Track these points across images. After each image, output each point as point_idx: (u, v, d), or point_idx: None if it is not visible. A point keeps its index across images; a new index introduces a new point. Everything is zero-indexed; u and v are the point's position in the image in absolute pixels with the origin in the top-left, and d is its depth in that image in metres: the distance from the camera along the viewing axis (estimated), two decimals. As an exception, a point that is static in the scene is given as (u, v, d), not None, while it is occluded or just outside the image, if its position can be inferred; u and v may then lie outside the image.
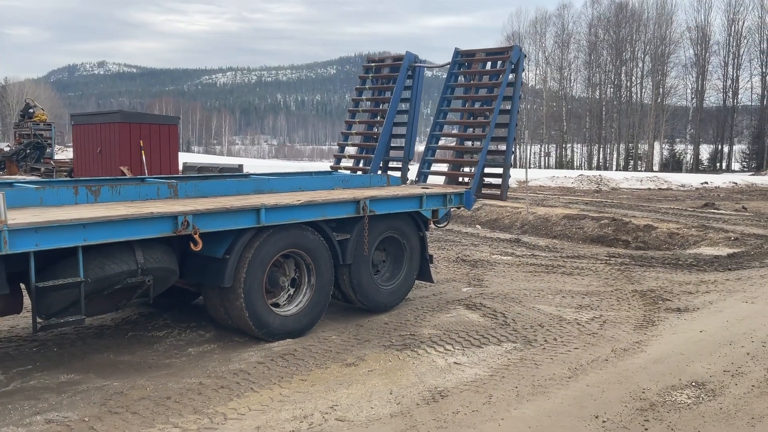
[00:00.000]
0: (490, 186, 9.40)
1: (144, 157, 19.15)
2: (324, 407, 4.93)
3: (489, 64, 9.58)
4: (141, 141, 19.22)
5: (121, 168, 18.52)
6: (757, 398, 5.21)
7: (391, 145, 10.47)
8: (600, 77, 71.66)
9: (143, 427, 4.54)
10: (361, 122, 10.45)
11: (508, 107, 9.48)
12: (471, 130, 9.64)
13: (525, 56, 9.53)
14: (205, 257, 6.14)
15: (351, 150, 10.68)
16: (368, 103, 10.43)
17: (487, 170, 9.30)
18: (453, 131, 10.00)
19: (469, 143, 9.77)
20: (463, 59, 9.68)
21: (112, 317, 7.20)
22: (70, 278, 5.11)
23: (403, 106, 10.21)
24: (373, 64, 10.61)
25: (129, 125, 19.30)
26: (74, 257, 5.12)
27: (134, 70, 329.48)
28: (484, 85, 9.39)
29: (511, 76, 9.17)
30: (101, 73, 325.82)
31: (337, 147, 10.90)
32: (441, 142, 9.96)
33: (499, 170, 9.39)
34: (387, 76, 10.23)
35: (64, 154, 37.56)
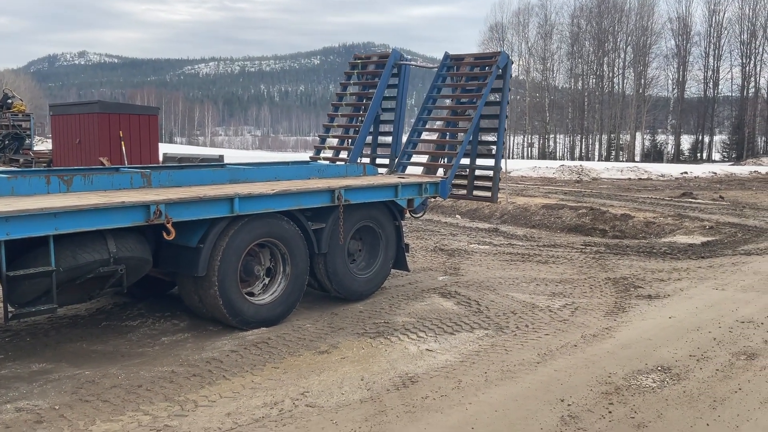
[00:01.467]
0: (481, 188, 9.67)
1: (123, 147, 19.03)
2: (295, 394, 4.99)
3: (477, 69, 9.77)
4: (120, 132, 19.09)
5: (101, 159, 18.39)
6: (720, 382, 5.33)
7: (378, 141, 10.56)
8: (582, 68, 72.02)
9: (113, 415, 4.57)
10: (344, 116, 10.52)
11: (495, 112, 9.72)
12: (453, 126, 9.75)
13: (512, 62, 9.76)
14: (179, 246, 6.15)
15: (333, 142, 10.73)
16: (352, 97, 10.49)
17: (477, 173, 9.59)
18: (435, 126, 10.14)
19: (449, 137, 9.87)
20: (452, 62, 9.90)
21: (86, 307, 7.20)
22: (42, 267, 5.12)
23: (389, 104, 10.32)
24: (359, 61, 10.73)
25: (108, 116, 19.16)
26: (46, 246, 5.13)
27: (115, 60, 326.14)
28: (470, 86, 9.57)
29: (499, 82, 9.42)
30: (82, 63, 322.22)
31: (319, 139, 10.94)
32: (424, 136, 10.09)
33: (490, 173, 9.63)
34: (372, 73, 10.33)
35: (43, 145, 37.18)
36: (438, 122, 10.17)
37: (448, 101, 10.03)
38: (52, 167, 20.12)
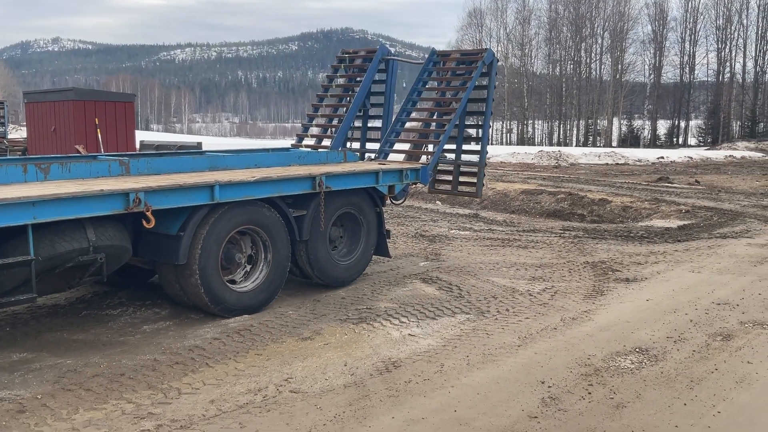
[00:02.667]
0: (466, 184, 9.86)
1: (100, 135, 18.80)
2: (278, 380, 5.01)
3: (463, 65, 9.87)
4: (96, 119, 18.85)
5: (77, 147, 18.15)
6: (697, 362, 5.44)
7: (367, 136, 10.61)
8: (560, 54, 72.29)
9: (97, 404, 4.56)
10: (328, 105, 10.56)
11: (481, 109, 9.94)
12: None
13: (498, 60, 9.87)
14: (159, 234, 6.12)
15: (316, 131, 10.73)
16: (338, 89, 10.52)
17: (462, 168, 9.78)
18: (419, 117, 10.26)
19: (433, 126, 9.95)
20: (439, 58, 10.05)
21: (66, 296, 7.15)
22: (20, 257, 5.07)
23: (377, 99, 10.42)
24: (346, 56, 10.80)
25: (83, 103, 18.89)
26: (24, 236, 5.08)
27: (90, 47, 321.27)
28: (455, 80, 9.69)
29: (485, 80, 9.60)
30: (55, 49, 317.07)
31: (301, 127, 10.93)
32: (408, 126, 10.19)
33: (475, 168, 9.78)
34: (359, 66, 10.40)
35: (18, 133, 36.60)
36: (423, 114, 10.27)
37: (434, 94, 10.13)
38: (28, 155, 19.83)
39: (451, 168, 9.89)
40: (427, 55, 10.21)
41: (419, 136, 9.90)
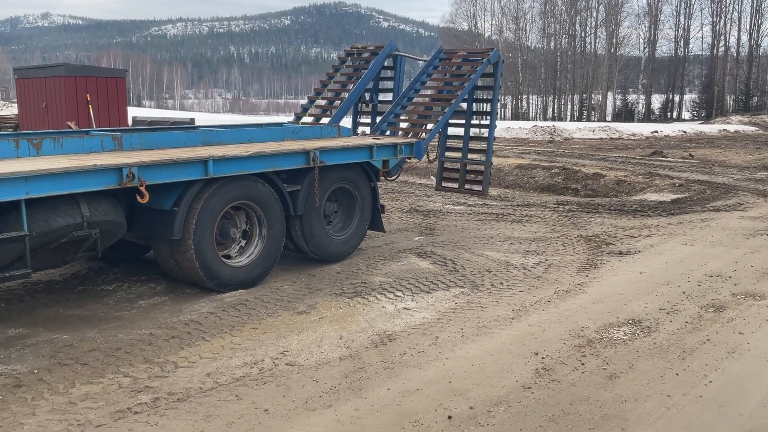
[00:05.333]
0: (472, 182, 10.28)
1: (91, 111, 18.66)
2: (274, 353, 5.04)
3: (468, 61, 10.08)
4: (87, 95, 18.70)
5: (68, 123, 18.01)
6: (690, 334, 5.49)
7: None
8: (555, 27, 71.79)
9: (93, 378, 4.58)
10: (330, 90, 10.58)
11: (487, 110, 10.38)
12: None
13: (503, 61, 10.21)
14: (154, 210, 6.11)
15: (315, 113, 10.76)
16: (343, 76, 10.61)
17: (468, 167, 10.26)
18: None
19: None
20: (445, 55, 10.37)
21: (61, 272, 7.15)
22: (14, 232, 5.05)
23: (382, 96, 10.78)
24: (354, 50, 10.94)
25: (74, 78, 18.71)
26: (17, 211, 5.06)
27: (80, 22, 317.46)
28: (460, 73, 9.91)
29: (491, 80, 9.97)
30: (45, 25, 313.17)
31: (301, 108, 10.92)
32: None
33: (481, 167, 10.23)
34: (366, 59, 10.45)
35: (9, 109, 36.31)
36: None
37: (437, 84, 10.34)
38: (19, 131, 19.66)
39: (457, 167, 10.34)
40: (433, 53, 10.62)
41: (417, 118, 9.95)
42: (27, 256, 5.15)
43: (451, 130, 10.62)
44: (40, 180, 5.06)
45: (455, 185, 10.40)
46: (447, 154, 10.77)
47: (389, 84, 10.82)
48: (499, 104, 10.76)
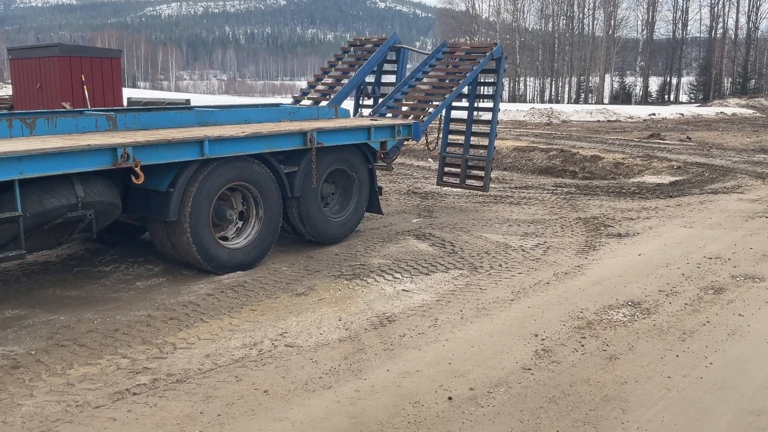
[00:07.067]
0: (474, 177, 10.36)
1: (86, 92, 18.50)
2: (273, 335, 5.01)
3: (471, 55, 10.06)
4: (82, 75, 18.53)
5: (63, 104, 17.87)
6: (689, 315, 5.48)
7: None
8: (553, 8, 71.35)
9: (91, 359, 4.55)
10: (331, 76, 10.49)
11: (489, 104, 10.57)
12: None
13: (506, 57, 10.27)
14: (149, 191, 6.05)
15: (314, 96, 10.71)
16: (344, 65, 10.57)
17: (470, 163, 10.34)
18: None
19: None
20: (448, 48, 10.38)
21: (57, 253, 7.10)
22: (8, 213, 4.99)
23: (384, 90, 10.76)
24: (358, 41, 10.90)
25: (69, 59, 18.53)
26: (11, 191, 5.00)
27: (74, 2, 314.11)
28: (462, 65, 9.88)
29: (493, 75, 10.12)
30: (39, 5, 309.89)
31: (300, 92, 10.83)
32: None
33: (482, 163, 10.26)
34: (369, 50, 10.40)
35: (2, 90, 36.02)
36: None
37: (439, 74, 10.32)
38: (13, 111, 19.45)
39: (459, 162, 10.33)
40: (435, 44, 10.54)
41: (417, 103, 9.92)
42: (21, 237, 5.10)
43: (452, 126, 10.60)
44: (33, 160, 4.99)
45: (456, 180, 10.43)
46: (448, 149, 10.75)
47: (392, 78, 10.82)
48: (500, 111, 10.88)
